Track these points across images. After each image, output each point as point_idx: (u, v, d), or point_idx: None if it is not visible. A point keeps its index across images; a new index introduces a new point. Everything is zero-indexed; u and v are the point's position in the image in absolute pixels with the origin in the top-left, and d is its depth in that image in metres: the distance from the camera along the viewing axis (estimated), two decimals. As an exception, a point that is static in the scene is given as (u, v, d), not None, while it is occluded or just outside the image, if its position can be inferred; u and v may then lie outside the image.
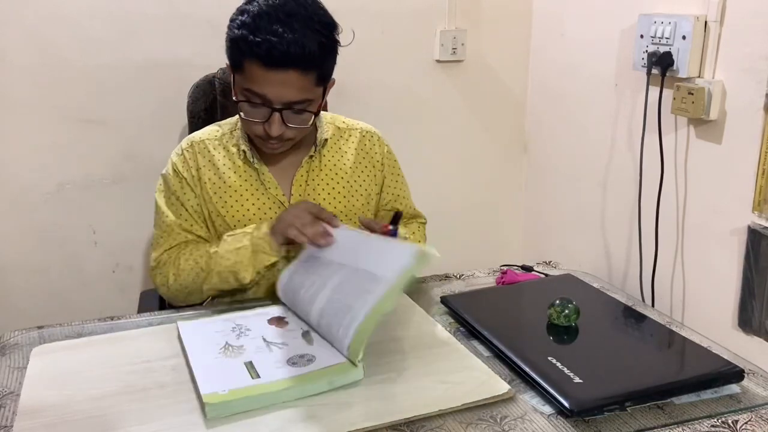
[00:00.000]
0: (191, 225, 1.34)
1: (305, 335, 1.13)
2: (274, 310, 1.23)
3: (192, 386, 1.01)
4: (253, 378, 0.99)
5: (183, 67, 1.81)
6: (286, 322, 1.18)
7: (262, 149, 1.32)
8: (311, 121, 1.27)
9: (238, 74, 1.22)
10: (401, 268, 1.04)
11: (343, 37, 1.25)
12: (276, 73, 1.17)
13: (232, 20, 1.22)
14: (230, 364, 1.04)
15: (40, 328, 1.21)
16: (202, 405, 0.94)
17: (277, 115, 1.21)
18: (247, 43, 1.16)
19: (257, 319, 1.19)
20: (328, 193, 1.37)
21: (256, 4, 1.19)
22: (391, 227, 1.25)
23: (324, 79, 1.24)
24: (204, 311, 1.28)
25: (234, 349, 1.09)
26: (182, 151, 1.36)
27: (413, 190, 1.58)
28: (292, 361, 1.04)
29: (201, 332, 1.14)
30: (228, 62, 1.26)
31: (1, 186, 1.78)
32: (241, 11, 1.21)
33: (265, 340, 1.11)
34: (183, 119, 1.74)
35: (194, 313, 1.27)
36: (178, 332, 1.14)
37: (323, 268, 1.18)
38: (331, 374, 1.01)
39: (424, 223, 1.56)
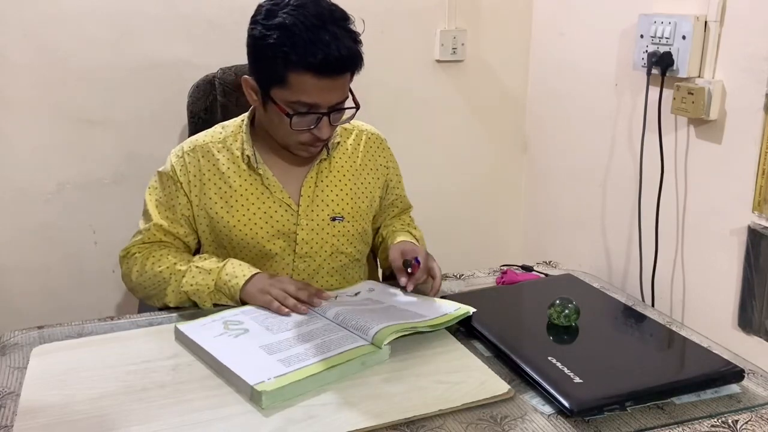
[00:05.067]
0: (176, 229, 1.35)
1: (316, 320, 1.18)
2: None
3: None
4: (285, 366, 1.02)
5: (183, 67, 1.81)
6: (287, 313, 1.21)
7: (299, 155, 1.32)
8: (353, 115, 1.31)
9: (279, 88, 1.21)
10: (443, 314, 1.17)
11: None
12: (330, 80, 1.19)
13: (263, 36, 1.19)
14: (255, 354, 1.06)
15: (40, 328, 1.21)
16: (252, 395, 0.96)
17: (326, 118, 1.23)
18: (299, 57, 1.15)
19: (255, 312, 1.21)
20: (336, 195, 1.38)
21: (281, 16, 1.17)
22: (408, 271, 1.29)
23: (353, 75, 1.26)
24: (198, 311, 1.28)
25: (249, 338, 1.11)
26: (183, 153, 1.35)
27: (412, 190, 1.58)
28: (314, 345, 1.08)
29: (206, 330, 1.14)
30: (255, 77, 1.25)
31: (1, 186, 1.78)
32: (270, 27, 1.18)
33: (269, 329, 1.15)
34: (183, 119, 1.74)
35: (191, 313, 1.27)
36: (181, 335, 1.14)
37: (360, 299, 1.27)
38: (362, 356, 1.05)
39: (411, 208, 1.59)
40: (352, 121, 1.44)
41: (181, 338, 1.14)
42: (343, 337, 1.10)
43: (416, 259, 1.27)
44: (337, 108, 1.25)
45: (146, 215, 1.37)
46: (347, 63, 1.20)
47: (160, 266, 1.29)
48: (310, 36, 1.15)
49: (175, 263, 1.29)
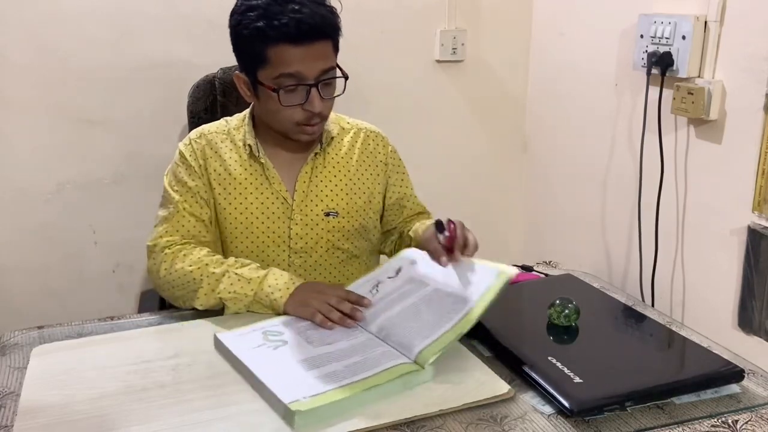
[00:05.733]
0: (199, 210, 1.33)
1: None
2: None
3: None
4: (323, 384, 0.97)
5: (183, 67, 1.81)
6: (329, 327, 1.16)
7: (299, 139, 1.32)
8: (344, 87, 1.31)
9: (263, 68, 1.24)
10: (485, 290, 1.10)
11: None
12: (306, 47, 1.21)
13: (239, 22, 1.24)
14: (292, 369, 1.02)
15: (40, 328, 1.21)
16: (285, 414, 0.92)
17: (314, 90, 1.25)
18: (272, 28, 1.20)
19: (295, 323, 1.17)
20: (331, 190, 1.39)
21: (254, 0, 1.23)
22: (441, 236, 1.23)
23: (337, 46, 1.28)
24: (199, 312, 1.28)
25: (288, 350, 1.07)
26: (190, 141, 1.38)
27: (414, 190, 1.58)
28: (354, 362, 1.03)
29: (245, 340, 1.11)
30: (242, 67, 1.29)
31: (1, 186, 1.78)
32: (243, 11, 1.23)
33: (309, 341, 1.10)
34: (183, 119, 1.74)
35: (191, 313, 1.27)
36: (220, 344, 1.10)
37: (402, 283, 1.21)
38: (403, 375, 0.99)
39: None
40: (351, 121, 1.46)
41: (220, 348, 1.11)
42: (384, 354, 1.05)
43: (449, 220, 1.22)
44: (324, 79, 1.26)
45: (168, 200, 1.34)
46: (319, 27, 1.22)
47: (190, 265, 1.25)
48: (280, 8, 1.20)
49: (207, 264, 1.25)
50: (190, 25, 1.82)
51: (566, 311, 1.15)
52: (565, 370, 1.01)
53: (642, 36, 1.63)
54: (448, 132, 2.16)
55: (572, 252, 2.05)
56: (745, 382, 1.03)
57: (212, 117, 1.67)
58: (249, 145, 1.35)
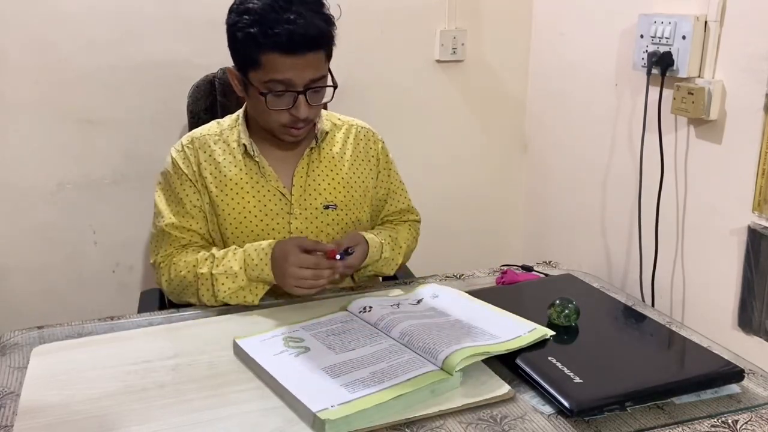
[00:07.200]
0: (189, 222, 1.35)
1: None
2: (333, 319, 1.20)
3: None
4: (350, 392, 0.96)
5: (183, 67, 1.81)
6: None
7: (284, 139, 1.34)
8: (332, 96, 1.33)
9: (254, 71, 1.26)
10: (515, 336, 1.09)
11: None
12: (298, 57, 1.23)
13: (234, 23, 1.26)
14: (317, 377, 1.00)
15: (40, 328, 1.21)
16: (314, 423, 0.90)
17: (302, 97, 1.27)
18: (265, 36, 1.21)
19: (315, 328, 1.16)
20: (328, 184, 1.40)
21: (252, 2, 1.24)
22: (338, 257, 1.27)
23: (330, 55, 1.30)
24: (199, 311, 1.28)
25: (310, 357, 1.06)
26: (182, 147, 1.38)
27: (413, 190, 1.58)
28: (380, 369, 1.02)
29: (266, 346, 1.09)
30: (235, 65, 1.31)
31: (1, 186, 1.78)
32: (240, 12, 1.25)
33: (331, 348, 1.09)
34: (183, 119, 1.74)
35: (192, 314, 1.27)
36: (240, 350, 1.09)
37: (424, 310, 1.21)
38: (431, 383, 0.98)
39: (418, 221, 1.57)
40: (342, 118, 1.49)
41: (240, 353, 1.09)
42: (410, 361, 1.03)
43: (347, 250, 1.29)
44: (313, 87, 1.28)
45: (158, 216, 1.37)
46: (313, 40, 1.23)
47: (182, 271, 1.31)
48: (275, 16, 1.21)
49: (194, 266, 1.30)
50: (190, 25, 1.82)
51: (566, 311, 1.15)
52: (565, 370, 1.01)
53: (642, 36, 1.63)
54: (448, 132, 2.16)
55: (572, 252, 2.05)
56: (745, 382, 1.03)
57: (212, 117, 1.66)
58: (243, 144, 1.36)
